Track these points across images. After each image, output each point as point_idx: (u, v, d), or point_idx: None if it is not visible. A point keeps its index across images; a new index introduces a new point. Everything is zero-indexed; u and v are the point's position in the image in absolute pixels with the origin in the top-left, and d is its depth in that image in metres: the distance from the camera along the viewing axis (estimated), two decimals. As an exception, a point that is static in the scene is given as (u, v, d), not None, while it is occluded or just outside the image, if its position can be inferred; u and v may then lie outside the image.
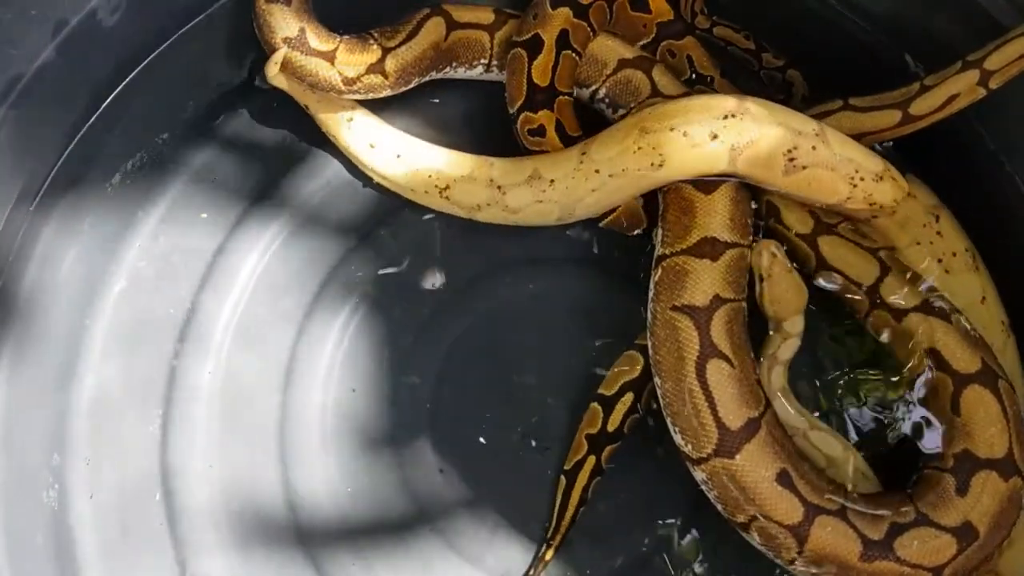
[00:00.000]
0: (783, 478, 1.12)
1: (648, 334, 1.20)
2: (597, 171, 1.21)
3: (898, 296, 1.24)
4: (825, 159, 1.22)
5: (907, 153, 1.33)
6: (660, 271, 1.21)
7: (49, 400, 1.26)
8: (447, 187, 1.28)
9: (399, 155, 1.30)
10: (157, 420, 1.28)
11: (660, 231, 1.24)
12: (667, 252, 1.22)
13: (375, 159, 1.31)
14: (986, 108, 1.24)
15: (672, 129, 1.19)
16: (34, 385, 1.26)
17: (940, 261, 1.31)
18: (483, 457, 1.29)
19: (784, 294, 1.19)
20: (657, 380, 1.19)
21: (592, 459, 1.24)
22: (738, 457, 1.12)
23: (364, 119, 1.31)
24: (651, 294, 1.21)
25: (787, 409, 1.23)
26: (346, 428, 1.29)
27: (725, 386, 1.14)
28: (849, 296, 1.27)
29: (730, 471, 1.13)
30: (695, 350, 1.15)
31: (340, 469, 1.28)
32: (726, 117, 1.19)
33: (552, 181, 1.22)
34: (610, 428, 1.24)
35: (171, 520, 1.26)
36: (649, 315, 1.21)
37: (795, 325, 1.21)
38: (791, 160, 1.20)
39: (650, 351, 1.20)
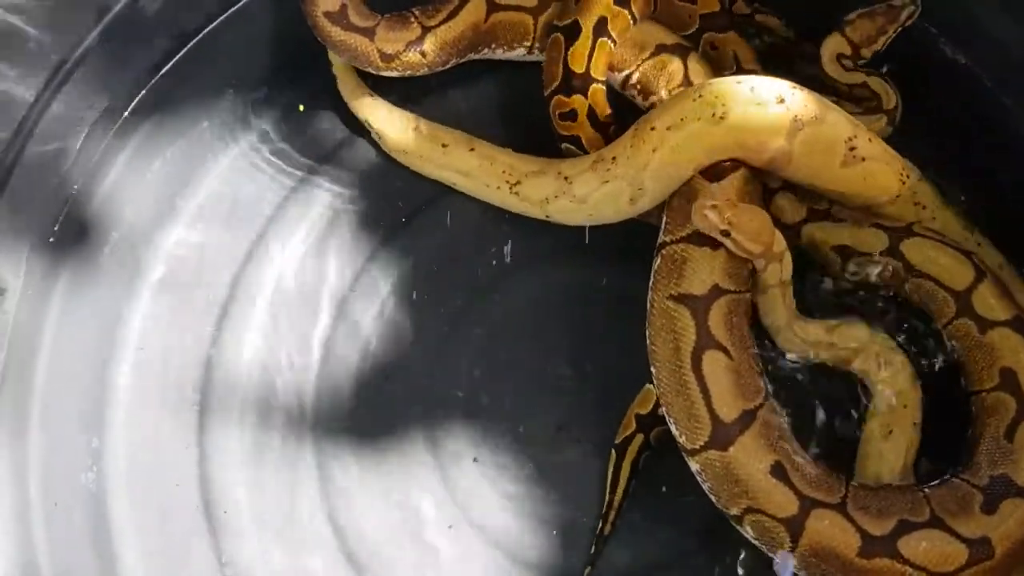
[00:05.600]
0: (777, 470, 1.14)
1: (647, 323, 1.23)
2: (653, 128, 1.21)
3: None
4: (881, 153, 1.24)
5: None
6: (660, 259, 1.24)
7: (88, 385, 1.34)
8: (518, 182, 1.33)
9: (472, 148, 1.37)
10: (195, 408, 1.34)
11: (664, 219, 1.27)
12: (667, 240, 1.24)
13: (449, 158, 1.38)
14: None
15: (739, 83, 1.20)
16: (73, 370, 1.34)
17: None
18: (518, 447, 1.33)
19: (752, 224, 1.16)
20: (653, 370, 1.22)
21: (640, 436, 1.29)
22: (731, 449, 1.14)
23: (427, 124, 1.40)
24: (651, 283, 1.24)
25: (806, 328, 1.24)
26: (380, 416, 1.34)
27: (720, 378, 1.16)
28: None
29: (723, 463, 1.14)
30: (691, 340, 1.17)
31: (373, 456, 1.33)
32: (794, 87, 1.20)
33: (614, 158, 1.24)
34: (660, 412, 1.27)
35: (207, 507, 1.31)
36: (648, 304, 1.23)
37: (780, 241, 1.19)
38: (852, 149, 1.22)
39: (648, 340, 1.23)
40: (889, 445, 1.22)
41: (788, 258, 1.22)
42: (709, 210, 1.16)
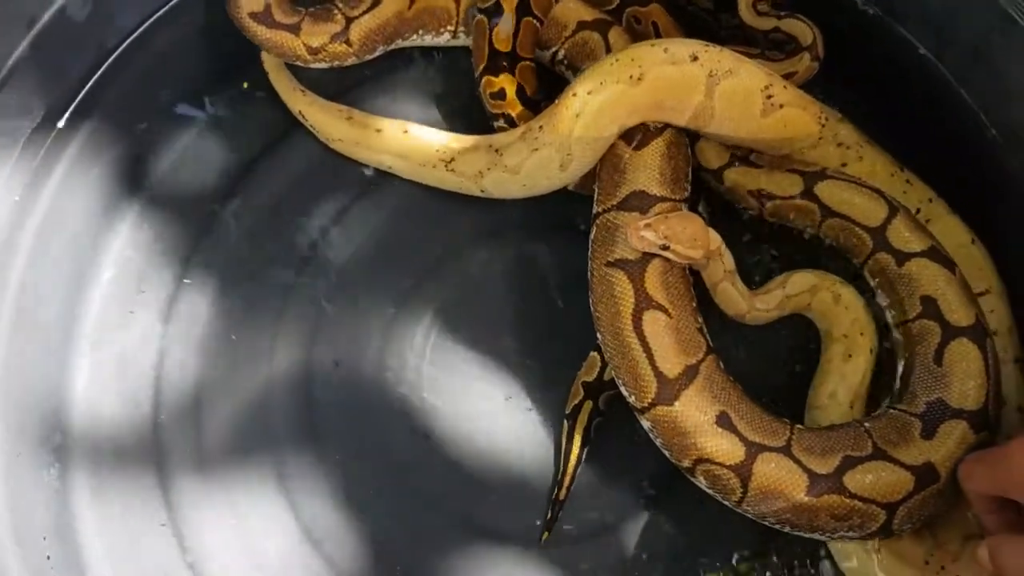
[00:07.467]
0: (723, 420, 1.19)
1: (589, 291, 1.28)
2: (575, 94, 1.25)
3: None
4: (796, 97, 1.29)
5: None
6: (595, 229, 1.29)
7: (48, 384, 1.36)
8: (452, 159, 1.37)
9: (406, 131, 1.40)
10: (148, 401, 1.38)
11: (596, 190, 1.32)
12: (600, 210, 1.29)
13: (384, 142, 1.41)
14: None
15: (652, 45, 1.25)
16: (30, 369, 1.35)
17: (919, 211, 1.35)
18: (469, 420, 1.37)
19: (687, 231, 1.21)
20: (599, 335, 1.27)
21: (589, 403, 1.33)
22: (677, 404, 1.19)
23: (359, 112, 1.43)
24: (589, 252, 1.29)
25: (765, 299, 1.31)
26: (331, 400, 1.37)
27: (661, 336, 1.21)
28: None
29: (670, 418, 1.19)
30: (630, 303, 1.22)
31: (327, 440, 1.36)
32: (707, 45, 1.25)
33: (541, 127, 1.28)
34: (606, 378, 1.32)
35: (167, 497, 1.34)
36: (588, 273, 1.29)
37: (716, 238, 1.25)
38: (769, 97, 1.27)
39: (591, 307, 1.28)
40: (849, 367, 1.29)
41: (726, 250, 1.28)
42: (644, 230, 1.20)
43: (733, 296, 1.29)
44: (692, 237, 1.22)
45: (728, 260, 1.28)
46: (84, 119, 1.40)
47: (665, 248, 1.21)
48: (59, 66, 1.35)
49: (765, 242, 1.40)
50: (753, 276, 1.39)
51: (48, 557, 1.29)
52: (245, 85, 1.47)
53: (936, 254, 1.26)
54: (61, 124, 1.39)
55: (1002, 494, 1.08)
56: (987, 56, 1.29)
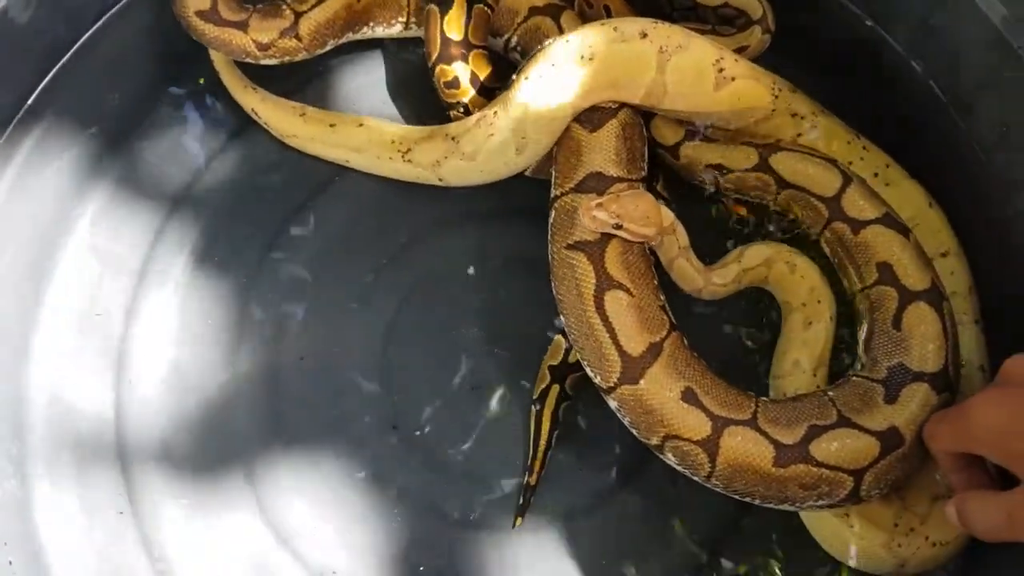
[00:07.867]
0: (688, 396, 1.19)
1: (551, 275, 1.29)
2: (527, 78, 1.27)
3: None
4: (748, 70, 1.31)
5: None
6: (554, 212, 1.30)
7: (6, 384, 1.34)
8: (409, 150, 1.37)
9: (361, 124, 1.41)
10: (111, 401, 1.37)
11: (553, 174, 1.33)
12: (558, 193, 1.30)
13: (340, 137, 1.41)
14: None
15: (602, 25, 1.26)
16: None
17: (877, 175, 1.37)
18: (437, 411, 1.37)
19: (638, 210, 1.22)
20: (563, 317, 1.28)
21: (556, 387, 1.34)
22: (642, 382, 1.20)
23: (312, 108, 1.44)
24: (549, 236, 1.30)
25: (722, 273, 1.33)
26: (297, 396, 1.37)
27: (624, 315, 1.22)
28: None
29: (636, 396, 1.20)
30: (591, 284, 1.23)
31: (294, 435, 1.36)
32: (655, 22, 1.27)
33: (495, 112, 1.29)
34: (571, 360, 1.33)
35: (133, 503, 1.34)
36: (549, 256, 1.30)
37: (668, 215, 1.26)
38: (721, 71, 1.28)
39: (553, 291, 1.29)
40: (811, 335, 1.30)
41: (680, 227, 1.29)
42: (596, 210, 1.22)
43: (688, 272, 1.30)
44: (644, 215, 1.23)
45: (682, 236, 1.29)
46: (35, 123, 1.39)
47: (618, 227, 1.22)
48: (4, 70, 1.34)
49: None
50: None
51: (11, 563, 1.28)
52: (201, 81, 1.47)
53: (890, 220, 1.28)
54: (10, 129, 1.37)
55: (965, 450, 1.10)
56: (935, 27, 1.31)
